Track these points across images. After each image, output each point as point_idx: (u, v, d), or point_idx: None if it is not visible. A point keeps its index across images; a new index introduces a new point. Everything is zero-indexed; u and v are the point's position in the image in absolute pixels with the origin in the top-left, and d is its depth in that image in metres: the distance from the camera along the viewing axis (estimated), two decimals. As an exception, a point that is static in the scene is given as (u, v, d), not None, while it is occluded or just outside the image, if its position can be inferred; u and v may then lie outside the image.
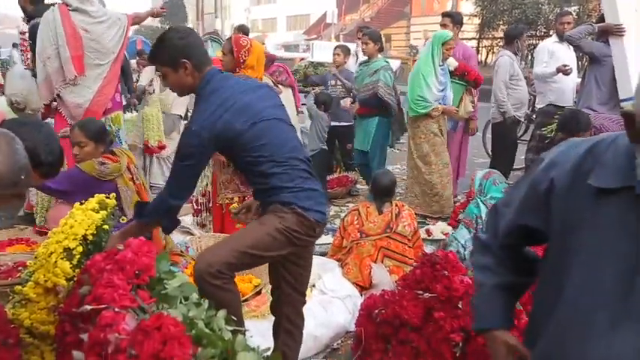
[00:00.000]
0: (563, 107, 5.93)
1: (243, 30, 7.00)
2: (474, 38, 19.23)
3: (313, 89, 7.96)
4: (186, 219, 4.63)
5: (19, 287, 2.17)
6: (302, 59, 8.14)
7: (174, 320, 1.54)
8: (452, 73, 5.47)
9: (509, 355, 1.47)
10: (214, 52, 6.73)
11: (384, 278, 3.75)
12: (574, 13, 8.37)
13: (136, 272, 1.76)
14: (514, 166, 6.39)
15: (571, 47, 5.69)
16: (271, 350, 2.36)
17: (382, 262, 3.92)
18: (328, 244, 4.43)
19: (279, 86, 5.27)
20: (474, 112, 5.82)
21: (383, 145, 5.97)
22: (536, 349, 1.40)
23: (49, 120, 4.45)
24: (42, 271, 2.10)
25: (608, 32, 5.07)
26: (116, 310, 1.60)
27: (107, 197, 2.50)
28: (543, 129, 5.45)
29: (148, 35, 18.12)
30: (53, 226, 2.60)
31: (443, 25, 5.86)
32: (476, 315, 1.58)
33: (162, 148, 5.93)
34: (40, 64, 4.35)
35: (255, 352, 1.66)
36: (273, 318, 2.70)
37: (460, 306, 2.71)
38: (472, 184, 4.48)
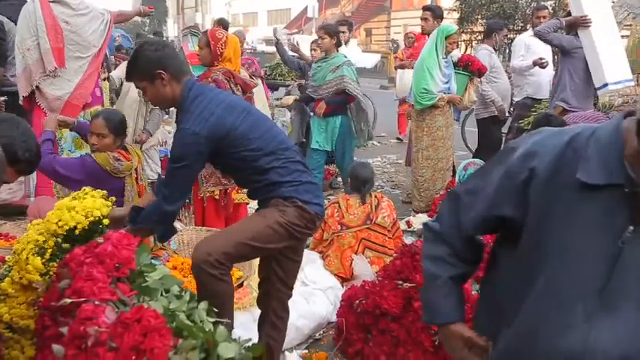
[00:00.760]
0: (540, 100, 5.99)
1: (222, 24, 6.94)
2: (453, 32, 19.24)
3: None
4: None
5: (-4, 284, 2.14)
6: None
7: (154, 312, 1.54)
8: (456, 64, 5.44)
9: (466, 348, 1.45)
10: (194, 46, 6.67)
11: (364, 269, 3.77)
12: (550, 8, 8.43)
13: (116, 265, 1.75)
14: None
15: None
16: (256, 341, 2.36)
17: (363, 253, 3.93)
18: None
19: (253, 77, 5.25)
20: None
21: (351, 144, 5.70)
22: (502, 339, 1.38)
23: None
24: (17, 268, 2.07)
25: (576, 24, 5.15)
26: (96, 303, 1.59)
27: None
28: (520, 121, 5.50)
29: (128, 30, 17.91)
30: (33, 218, 2.57)
31: (424, 19, 5.85)
32: (430, 309, 1.53)
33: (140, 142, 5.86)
34: (19, 55, 4.29)
35: (236, 343, 1.66)
36: (255, 310, 2.70)
37: (439, 295, 2.73)
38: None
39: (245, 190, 2.76)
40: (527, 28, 7.90)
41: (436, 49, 5.25)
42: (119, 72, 5.87)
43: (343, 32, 7.30)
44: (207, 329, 1.63)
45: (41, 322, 1.80)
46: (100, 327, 1.51)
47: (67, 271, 1.81)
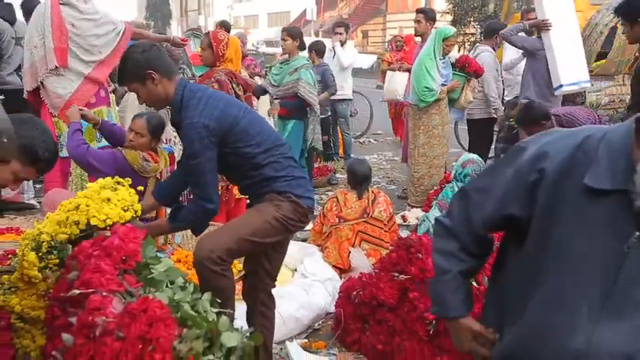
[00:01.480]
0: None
1: (224, 25, 6.93)
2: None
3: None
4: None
5: (6, 276, 2.14)
6: (282, 55, 8.12)
7: (159, 303, 1.54)
8: (453, 65, 5.45)
9: (474, 340, 1.45)
10: (196, 47, 6.64)
11: (362, 261, 3.77)
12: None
13: (123, 258, 1.75)
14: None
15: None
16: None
17: (360, 245, 3.94)
18: (308, 230, 4.44)
19: (255, 77, 5.22)
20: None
21: (297, 150, 5.29)
22: (508, 335, 1.37)
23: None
24: (18, 263, 2.07)
25: (538, 28, 5.20)
26: (104, 294, 1.59)
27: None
28: (511, 120, 5.49)
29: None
30: (47, 210, 2.56)
31: (417, 22, 5.83)
32: (440, 303, 1.51)
33: None
34: (27, 51, 4.31)
35: (238, 332, 1.66)
36: None
37: (433, 286, 2.73)
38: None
39: None
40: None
41: (434, 51, 5.25)
42: None
43: (340, 34, 7.30)
44: (210, 319, 1.63)
45: (51, 313, 1.80)
46: (107, 317, 1.51)
47: (75, 263, 1.81)
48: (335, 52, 7.16)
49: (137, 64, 2.34)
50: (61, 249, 2.06)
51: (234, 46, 4.00)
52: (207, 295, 1.77)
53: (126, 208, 2.13)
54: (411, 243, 2.92)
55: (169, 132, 5.89)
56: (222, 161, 2.37)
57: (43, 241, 2.07)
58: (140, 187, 2.82)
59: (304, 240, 4.34)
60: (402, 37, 8.43)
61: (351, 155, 7.29)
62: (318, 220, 4.21)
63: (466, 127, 6.21)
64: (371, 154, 8.12)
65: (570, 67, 5.09)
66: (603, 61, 5.50)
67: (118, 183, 2.28)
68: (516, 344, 1.34)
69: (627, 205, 1.17)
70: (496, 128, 6.21)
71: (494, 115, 5.78)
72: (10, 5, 5.44)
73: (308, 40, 7.37)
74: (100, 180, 2.28)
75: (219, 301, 1.83)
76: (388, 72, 7.90)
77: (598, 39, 5.40)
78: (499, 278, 1.51)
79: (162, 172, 3.39)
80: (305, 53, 5.83)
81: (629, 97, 4.67)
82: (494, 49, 5.98)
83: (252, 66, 6.20)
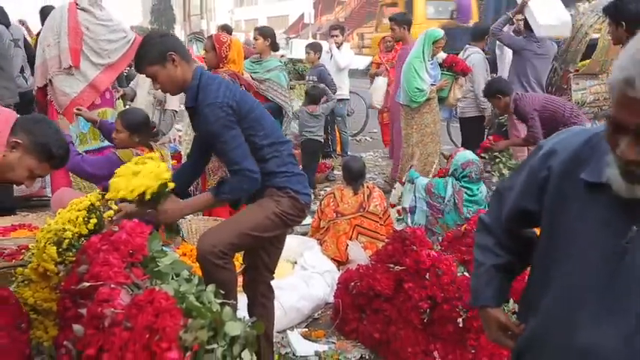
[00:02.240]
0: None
1: (226, 29, 6.93)
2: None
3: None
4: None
5: (21, 269, 2.14)
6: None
7: (165, 294, 1.54)
8: (441, 65, 5.44)
9: (500, 331, 1.44)
10: (199, 50, 6.63)
11: (359, 254, 3.78)
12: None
13: (130, 252, 1.75)
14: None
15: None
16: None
17: (357, 238, 3.94)
18: (308, 224, 4.44)
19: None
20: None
21: None
22: (527, 328, 1.37)
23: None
24: (37, 255, 2.07)
25: (521, 8, 5.25)
26: (112, 286, 1.59)
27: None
28: (500, 118, 5.49)
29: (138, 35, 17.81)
30: (55, 209, 2.56)
31: (392, 29, 5.82)
32: (473, 292, 1.52)
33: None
34: (40, 50, 4.32)
35: (241, 322, 1.66)
36: None
37: (427, 277, 2.74)
38: (450, 162, 4.23)
39: None
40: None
41: (423, 53, 5.23)
42: (133, 82, 5.83)
43: (336, 36, 7.28)
44: (214, 310, 1.63)
45: (62, 304, 1.80)
46: (116, 308, 1.51)
47: (85, 257, 1.81)
48: (332, 54, 7.14)
49: (158, 46, 2.27)
50: (79, 247, 2.06)
51: (236, 48, 3.99)
52: (211, 287, 1.77)
53: (157, 178, 2.11)
54: (406, 236, 2.92)
55: (175, 132, 5.90)
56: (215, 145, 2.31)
57: (65, 238, 2.07)
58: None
59: (304, 234, 4.34)
60: (392, 39, 8.37)
61: (348, 153, 7.28)
62: (316, 215, 4.21)
63: (458, 125, 6.20)
64: (367, 152, 8.12)
65: (546, 13, 5.15)
66: (588, 61, 5.49)
67: (151, 158, 2.26)
68: (533, 337, 1.33)
69: (624, 198, 1.12)
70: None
71: (485, 114, 5.78)
72: (1, 8, 5.41)
73: (306, 43, 7.35)
74: (134, 158, 2.29)
75: (222, 292, 1.83)
76: (376, 78, 7.55)
77: (582, 40, 5.39)
78: (528, 274, 1.50)
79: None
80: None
81: (613, 95, 4.66)
82: (484, 50, 5.97)
83: None
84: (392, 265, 2.91)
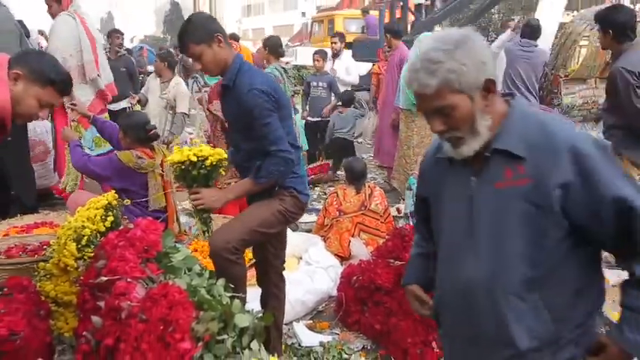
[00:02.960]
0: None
1: (233, 38, 6.91)
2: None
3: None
4: (186, 203, 4.57)
5: (43, 264, 2.15)
6: (287, 62, 8.08)
7: (178, 288, 1.54)
8: None
9: (417, 302, 1.63)
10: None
11: (361, 250, 3.77)
12: (516, 20, 8.45)
13: (145, 248, 1.76)
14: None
15: None
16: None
17: (359, 235, 3.94)
18: (313, 222, 4.44)
19: None
20: None
21: None
22: (435, 295, 1.58)
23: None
24: (58, 250, 2.08)
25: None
26: (128, 280, 1.60)
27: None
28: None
29: (151, 44, 17.86)
30: (72, 210, 2.57)
31: (386, 38, 5.91)
32: (402, 278, 1.76)
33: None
34: (60, 57, 4.25)
35: (250, 314, 1.67)
36: None
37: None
38: None
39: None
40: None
41: None
42: (144, 88, 5.84)
43: (335, 43, 7.29)
44: (224, 302, 1.64)
45: (82, 297, 1.81)
46: (131, 301, 1.52)
47: (103, 253, 1.82)
48: (333, 61, 7.16)
49: (207, 25, 2.24)
50: (97, 243, 2.07)
51: (245, 55, 3.99)
52: (221, 281, 1.77)
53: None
54: (405, 232, 2.92)
55: (185, 135, 5.91)
56: (251, 128, 2.27)
57: (84, 235, 2.08)
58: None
59: (309, 231, 4.35)
60: (389, 48, 8.34)
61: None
62: (321, 213, 4.21)
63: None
64: (368, 153, 8.10)
65: None
66: (577, 66, 5.47)
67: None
68: (438, 298, 1.53)
69: (466, 161, 1.37)
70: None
71: None
72: (21, 20, 5.42)
73: (311, 50, 7.36)
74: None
75: (232, 286, 1.84)
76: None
77: (572, 46, 5.38)
78: None
79: (162, 165, 3.39)
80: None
81: (601, 98, 4.66)
82: None
83: None
84: (392, 260, 2.92)
